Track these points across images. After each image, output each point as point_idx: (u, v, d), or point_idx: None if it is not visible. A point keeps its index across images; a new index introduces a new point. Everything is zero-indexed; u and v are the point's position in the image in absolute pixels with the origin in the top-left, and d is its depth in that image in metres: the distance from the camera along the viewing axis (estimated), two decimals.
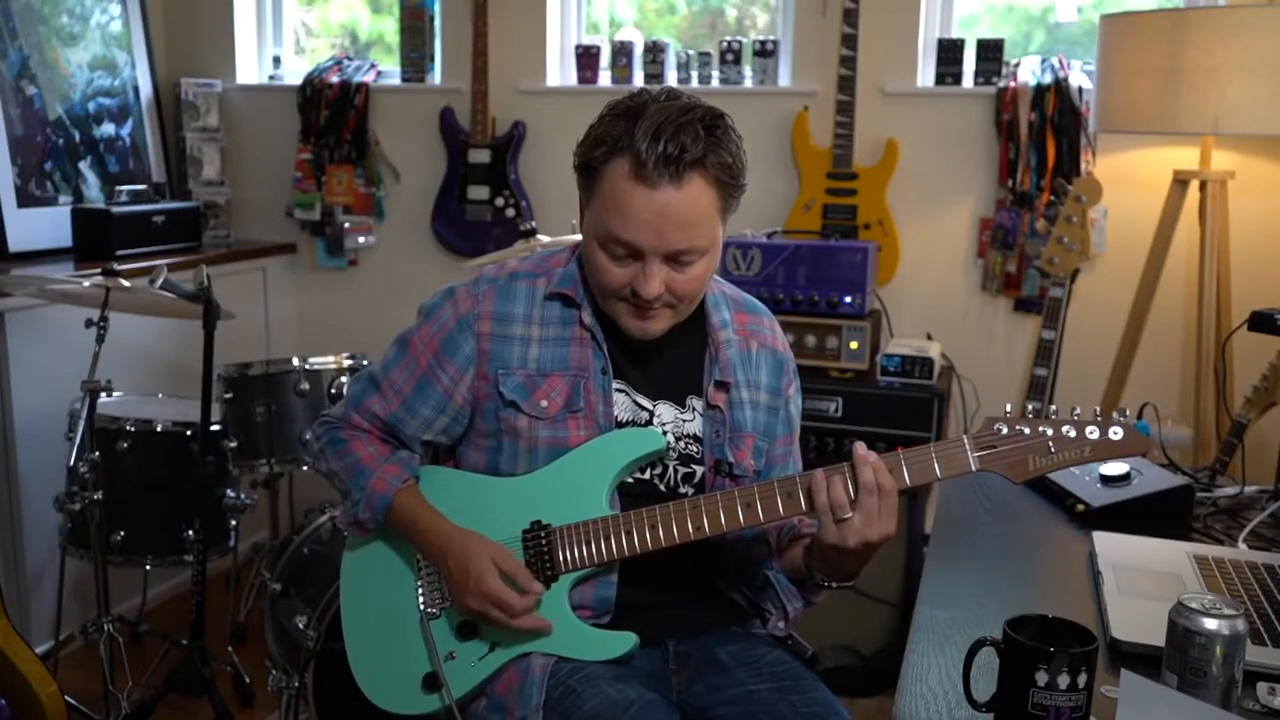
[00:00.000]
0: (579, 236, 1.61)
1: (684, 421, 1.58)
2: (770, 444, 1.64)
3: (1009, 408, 1.43)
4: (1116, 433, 1.38)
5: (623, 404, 1.56)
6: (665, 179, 1.39)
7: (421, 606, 1.55)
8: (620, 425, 1.55)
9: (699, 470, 1.58)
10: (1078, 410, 1.41)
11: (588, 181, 1.46)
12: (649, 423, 1.57)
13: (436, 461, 1.69)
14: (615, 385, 1.56)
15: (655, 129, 1.38)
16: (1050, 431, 1.39)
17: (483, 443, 1.58)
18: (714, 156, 1.40)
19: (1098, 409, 1.41)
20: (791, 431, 1.69)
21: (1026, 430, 1.40)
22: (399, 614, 1.57)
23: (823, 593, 1.56)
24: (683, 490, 1.57)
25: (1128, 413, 1.40)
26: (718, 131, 1.42)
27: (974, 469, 1.40)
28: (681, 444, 1.57)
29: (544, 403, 1.53)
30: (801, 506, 1.44)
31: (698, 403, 1.59)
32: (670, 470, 1.57)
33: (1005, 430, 1.40)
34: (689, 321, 1.57)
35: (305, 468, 2.72)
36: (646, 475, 1.56)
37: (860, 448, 1.40)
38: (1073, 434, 1.39)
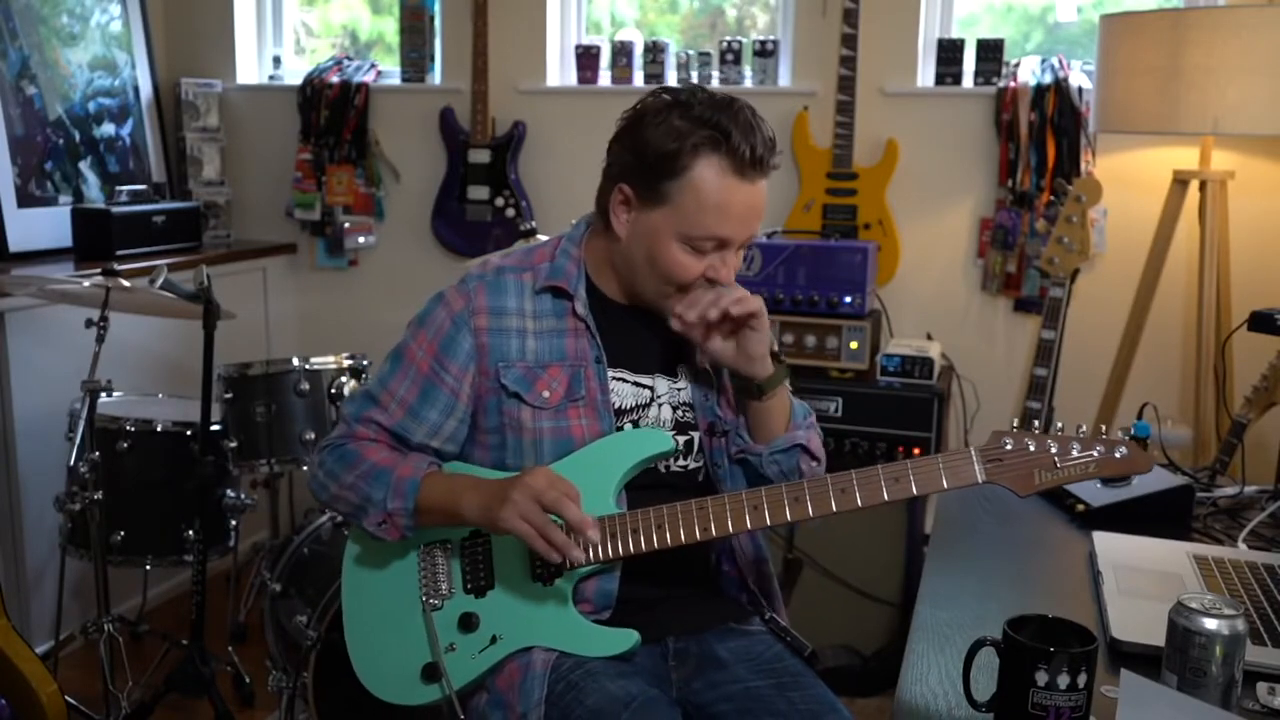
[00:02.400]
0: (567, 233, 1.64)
1: (678, 390, 1.62)
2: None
3: (1015, 421, 1.45)
4: (1122, 451, 1.40)
5: (622, 391, 1.58)
6: (758, 174, 1.49)
7: (423, 597, 1.55)
8: (621, 412, 1.57)
9: (695, 435, 1.61)
10: (1084, 428, 1.43)
11: (659, 179, 1.49)
12: (651, 401, 1.59)
13: None
14: (612, 374, 1.58)
15: (745, 128, 1.47)
16: (1056, 447, 1.41)
17: (486, 439, 1.59)
18: (776, 146, 1.52)
19: (1103, 426, 1.43)
20: None
21: (1032, 445, 1.41)
22: (400, 605, 1.57)
23: (784, 394, 1.61)
24: (683, 463, 1.60)
25: (1130, 431, 1.42)
26: (764, 121, 1.52)
27: (980, 480, 1.42)
28: (679, 413, 1.61)
29: (545, 393, 1.54)
30: (808, 511, 1.45)
31: (686, 370, 1.63)
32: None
33: (1011, 444, 1.41)
34: None
35: (305, 468, 2.72)
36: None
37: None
38: (1078, 450, 1.41)
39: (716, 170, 1.46)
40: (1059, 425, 1.44)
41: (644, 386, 1.60)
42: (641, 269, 1.54)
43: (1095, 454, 1.40)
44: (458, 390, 1.57)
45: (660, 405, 1.60)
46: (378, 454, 1.56)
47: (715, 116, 1.46)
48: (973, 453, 1.42)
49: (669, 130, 1.47)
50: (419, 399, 1.57)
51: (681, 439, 1.60)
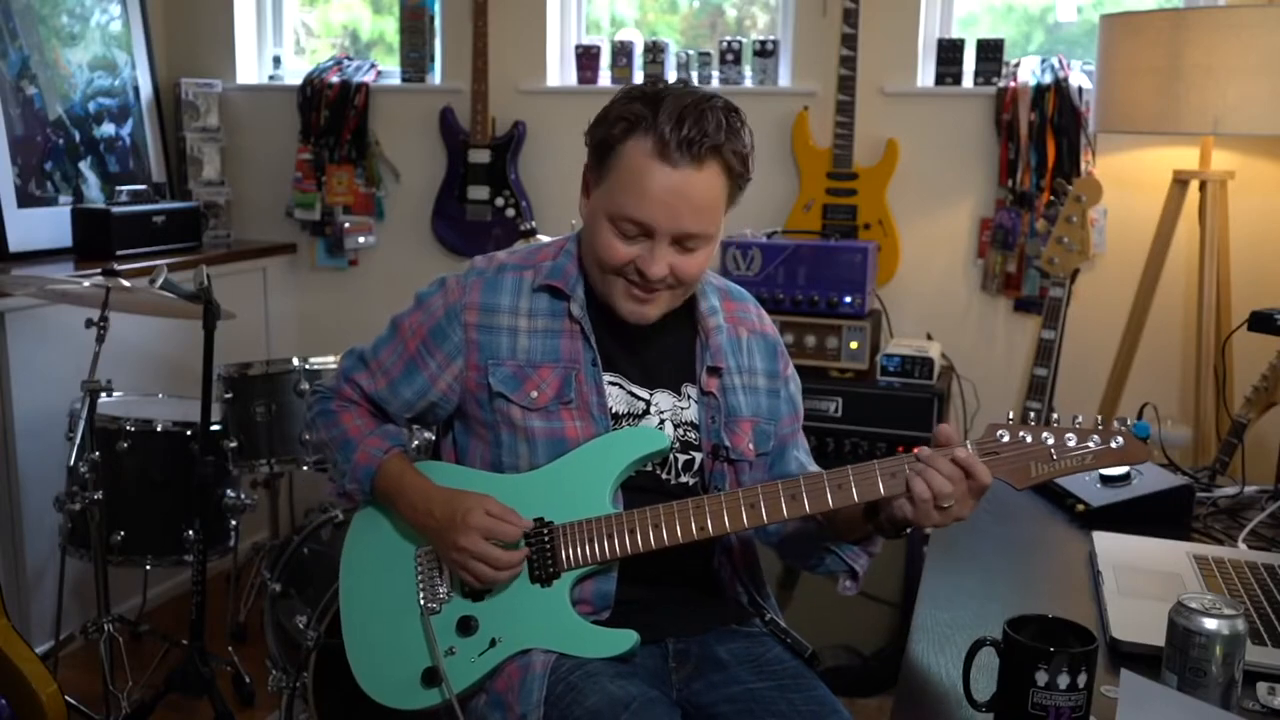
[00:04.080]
0: (572, 234, 1.63)
1: (681, 409, 1.59)
2: (776, 425, 1.65)
3: (1011, 415, 1.44)
4: (1118, 441, 1.39)
5: (616, 396, 1.57)
6: (687, 160, 1.42)
7: (421, 602, 1.55)
8: (616, 417, 1.56)
9: (698, 457, 1.59)
10: (1079, 418, 1.42)
11: (601, 159, 1.48)
12: (646, 412, 1.58)
13: (438, 445, 1.71)
14: (607, 378, 1.57)
15: (679, 111, 1.41)
16: (1052, 439, 1.40)
17: (485, 434, 1.59)
18: (731, 145, 1.44)
19: (1099, 417, 1.42)
20: (796, 410, 1.71)
21: (1028, 438, 1.40)
22: (398, 610, 1.57)
23: (881, 541, 1.56)
24: (684, 478, 1.58)
25: (1129, 421, 1.41)
26: (734, 122, 1.46)
27: None
28: (680, 431, 1.59)
29: (534, 394, 1.54)
30: (805, 508, 1.44)
31: (692, 390, 1.60)
32: (671, 458, 1.58)
33: (1007, 437, 1.41)
34: (679, 309, 1.59)
35: (305, 468, 2.72)
36: (648, 466, 1.57)
37: (946, 431, 1.39)
38: (1074, 441, 1.40)
39: (641, 150, 1.43)
40: (1055, 417, 1.44)
41: (639, 398, 1.58)
42: (587, 254, 1.54)
43: (1091, 445, 1.39)
44: (436, 378, 1.59)
45: (662, 421, 1.57)
46: (351, 420, 1.65)
47: (657, 96, 1.43)
48: (969, 446, 1.42)
49: (619, 107, 1.46)
50: (401, 375, 1.62)
51: (682, 458, 1.59)
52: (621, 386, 1.58)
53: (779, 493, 1.45)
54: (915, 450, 1.40)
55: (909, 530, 1.46)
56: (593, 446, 1.53)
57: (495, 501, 1.50)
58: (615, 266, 1.48)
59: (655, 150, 1.42)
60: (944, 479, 1.36)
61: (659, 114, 1.41)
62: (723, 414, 1.59)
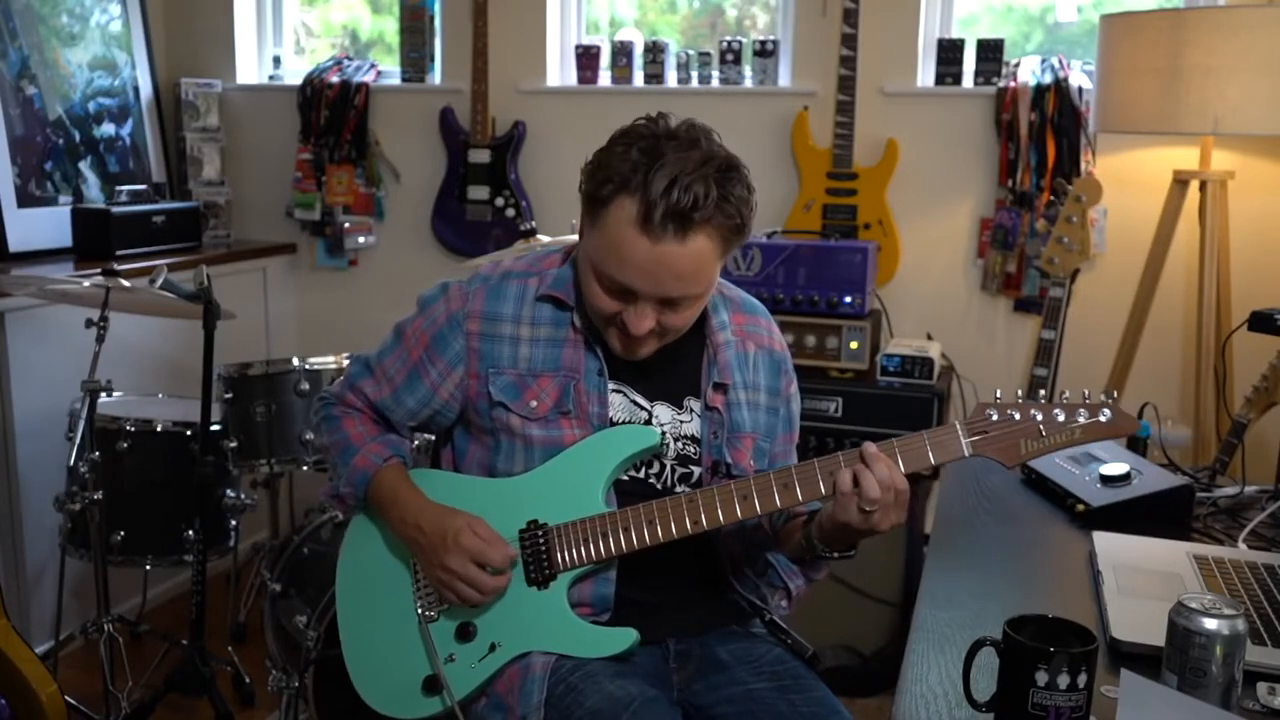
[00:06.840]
0: (576, 238, 1.62)
1: (682, 423, 1.59)
2: (772, 444, 1.65)
3: (999, 393, 1.44)
4: (1105, 414, 1.40)
5: (620, 405, 1.56)
6: (670, 234, 1.37)
7: (419, 610, 1.55)
8: (613, 424, 1.55)
9: (696, 471, 1.58)
10: (1067, 394, 1.42)
11: (591, 210, 1.44)
12: (647, 423, 1.57)
13: (438, 448, 1.70)
14: (612, 386, 1.56)
15: (670, 180, 1.34)
16: (1040, 415, 1.41)
17: (485, 439, 1.59)
18: (721, 215, 1.39)
19: (1086, 392, 1.42)
20: (792, 430, 1.70)
21: (1017, 415, 1.41)
22: (396, 618, 1.56)
23: (825, 566, 1.59)
24: (679, 490, 1.57)
25: (1116, 395, 1.42)
26: (729, 184, 1.39)
27: (966, 454, 1.42)
28: (679, 445, 1.58)
29: (534, 403, 1.54)
30: (798, 497, 1.45)
31: (695, 404, 1.59)
32: (667, 470, 1.57)
33: (996, 415, 1.42)
34: None
35: (305, 468, 2.72)
36: (642, 474, 1.56)
37: (870, 447, 1.41)
38: (1062, 417, 1.41)
39: (625, 216, 1.38)
40: (1041, 393, 1.44)
41: (641, 407, 1.57)
42: (581, 289, 1.53)
43: (1080, 419, 1.40)
44: (438, 385, 1.59)
45: (662, 434, 1.56)
46: (354, 427, 1.65)
47: (656, 159, 1.36)
48: (958, 426, 1.42)
49: (615, 158, 1.40)
50: (404, 384, 1.61)
51: (679, 470, 1.58)
52: (625, 395, 1.57)
53: (771, 483, 1.46)
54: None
55: (836, 553, 1.49)
56: (583, 446, 1.53)
57: (485, 525, 1.50)
58: (602, 316, 1.49)
59: (638, 219, 1.36)
60: (875, 482, 1.38)
61: (650, 177, 1.35)
62: (725, 429, 1.58)
